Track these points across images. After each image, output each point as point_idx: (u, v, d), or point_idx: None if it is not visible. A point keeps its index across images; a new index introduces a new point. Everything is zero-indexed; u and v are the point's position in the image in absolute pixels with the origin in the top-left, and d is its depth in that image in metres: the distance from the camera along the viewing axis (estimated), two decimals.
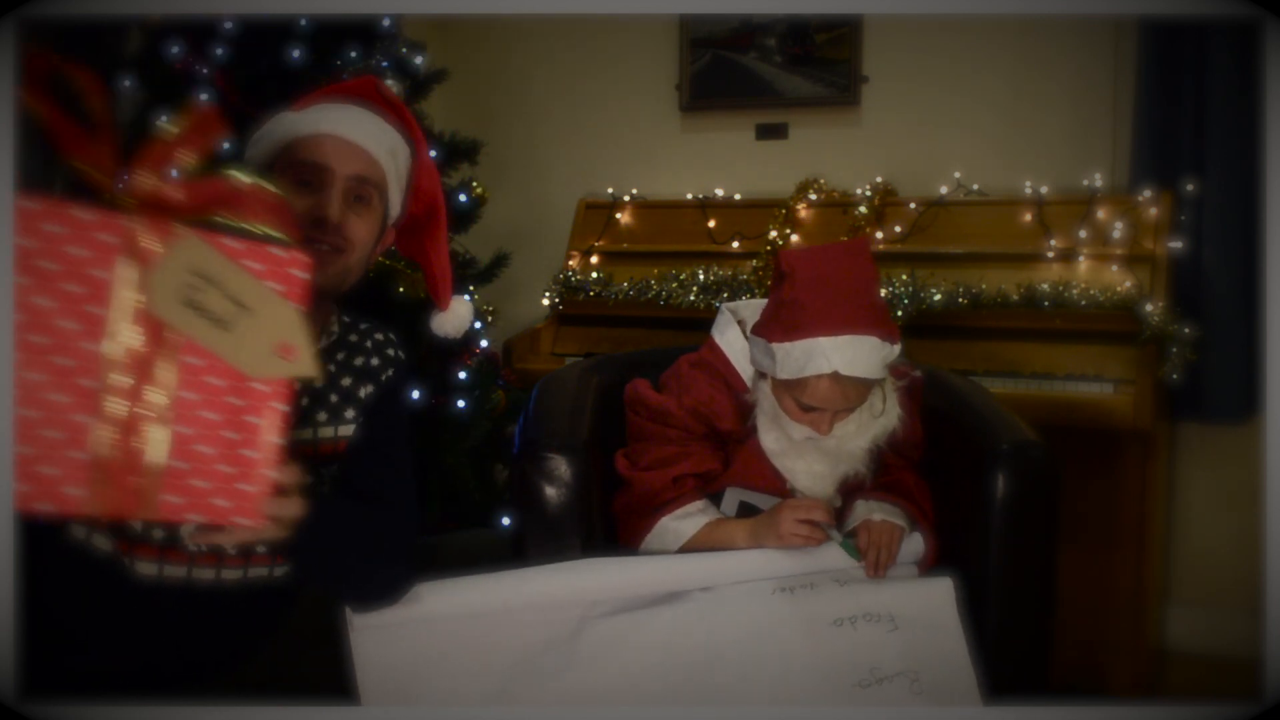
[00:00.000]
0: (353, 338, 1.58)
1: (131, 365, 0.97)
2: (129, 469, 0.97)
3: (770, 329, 1.68)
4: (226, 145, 1.51)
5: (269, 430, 1.04)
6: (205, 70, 2.41)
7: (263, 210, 1.04)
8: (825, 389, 1.63)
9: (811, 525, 1.64)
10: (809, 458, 1.72)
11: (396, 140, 1.51)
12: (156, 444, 0.99)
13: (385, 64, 2.60)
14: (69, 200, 0.94)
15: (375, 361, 1.57)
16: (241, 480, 1.03)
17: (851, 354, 1.60)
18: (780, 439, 1.72)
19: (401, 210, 1.54)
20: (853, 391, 1.65)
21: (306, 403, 1.53)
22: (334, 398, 1.55)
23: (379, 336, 1.60)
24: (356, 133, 1.46)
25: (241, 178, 1.04)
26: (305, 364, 1.04)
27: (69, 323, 0.94)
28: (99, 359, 0.95)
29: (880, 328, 1.64)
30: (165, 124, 1.02)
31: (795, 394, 1.67)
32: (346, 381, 1.55)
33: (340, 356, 1.55)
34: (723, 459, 1.79)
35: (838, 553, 1.67)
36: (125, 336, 0.96)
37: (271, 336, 1.02)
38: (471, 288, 2.79)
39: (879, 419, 1.71)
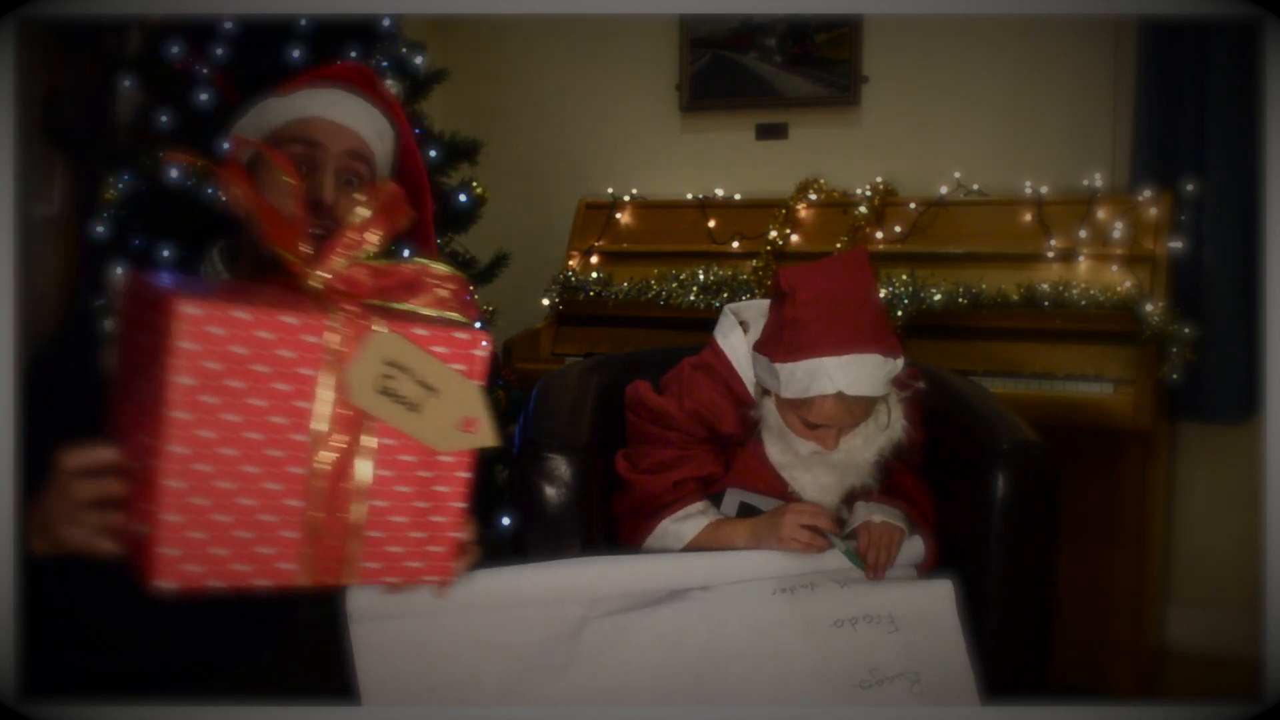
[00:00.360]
0: None
1: (333, 450, 1.06)
2: (335, 544, 1.08)
3: (773, 348, 1.68)
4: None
5: (454, 497, 1.13)
6: (205, 70, 2.42)
7: (447, 295, 1.13)
8: (830, 408, 1.64)
9: (813, 531, 1.64)
10: (816, 470, 1.73)
11: (382, 123, 1.52)
12: (357, 518, 1.09)
13: (385, 64, 2.60)
14: (277, 308, 1.02)
15: None
16: (431, 543, 1.13)
17: (855, 373, 1.61)
18: (786, 452, 1.73)
19: None
20: (858, 409, 1.65)
21: None
22: None
23: None
24: (344, 114, 1.47)
25: (424, 263, 1.13)
26: (487, 435, 1.12)
27: (279, 418, 1.03)
28: (306, 448, 1.05)
29: (882, 344, 1.63)
30: (359, 208, 1.11)
31: (800, 413, 1.67)
32: None
33: None
34: (724, 462, 1.79)
35: (839, 555, 1.66)
36: (328, 426, 1.06)
37: (457, 414, 1.10)
38: (472, 288, 2.79)
39: (885, 431, 1.71)
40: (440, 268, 1.13)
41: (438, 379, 1.08)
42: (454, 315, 1.12)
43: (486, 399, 1.11)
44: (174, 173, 2.36)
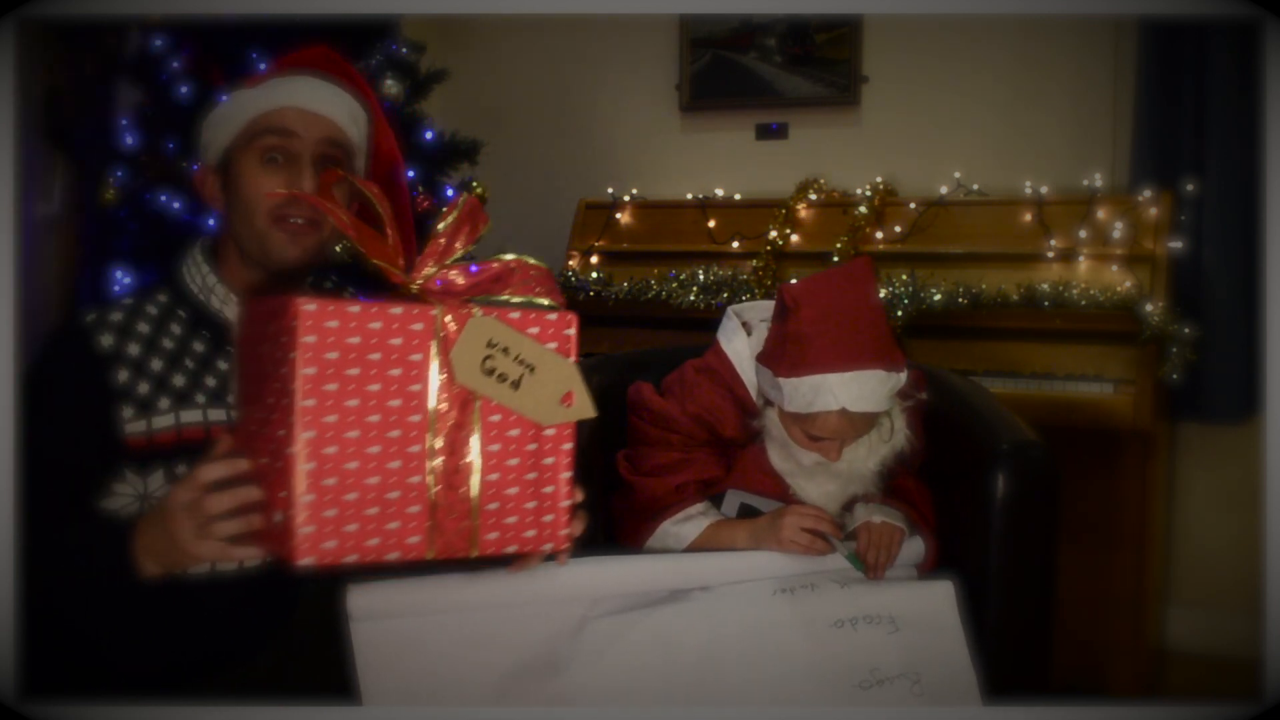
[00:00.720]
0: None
1: (446, 428, 1.16)
2: (457, 517, 1.17)
3: (776, 362, 1.67)
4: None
5: (561, 468, 1.22)
6: (204, 71, 2.42)
7: (531, 282, 1.23)
8: (834, 423, 1.64)
9: (813, 535, 1.64)
10: (819, 479, 1.72)
11: (355, 106, 1.52)
12: (474, 491, 1.18)
13: (385, 64, 2.60)
14: (385, 302, 1.14)
15: None
16: (545, 513, 1.22)
17: (858, 390, 1.60)
18: (788, 460, 1.72)
19: (364, 175, 1.54)
20: (860, 423, 1.65)
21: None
22: None
23: (336, 286, 1.62)
24: (317, 101, 1.47)
25: (513, 258, 1.23)
26: (585, 408, 1.21)
27: (395, 401, 1.13)
28: (421, 427, 1.15)
29: (886, 359, 1.63)
30: (441, 223, 1.21)
31: (803, 426, 1.67)
32: None
33: None
34: (725, 465, 1.78)
35: (839, 557, 1.66)
36: (439, 406, 1.16)
37: (555, 389, 1.20)
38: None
39: (888, 442, 1.71)
40: (528, 260, 1.23)
41: (535, 357, 1.19)
42: (544, 301, 1.22)
43: (581, 374, 1.21)
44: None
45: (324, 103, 1.47)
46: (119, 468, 1.39)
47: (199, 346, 1.45)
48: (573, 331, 1.22)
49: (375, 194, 1.23)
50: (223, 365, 1.46)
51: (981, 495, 1.74)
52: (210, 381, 1.45)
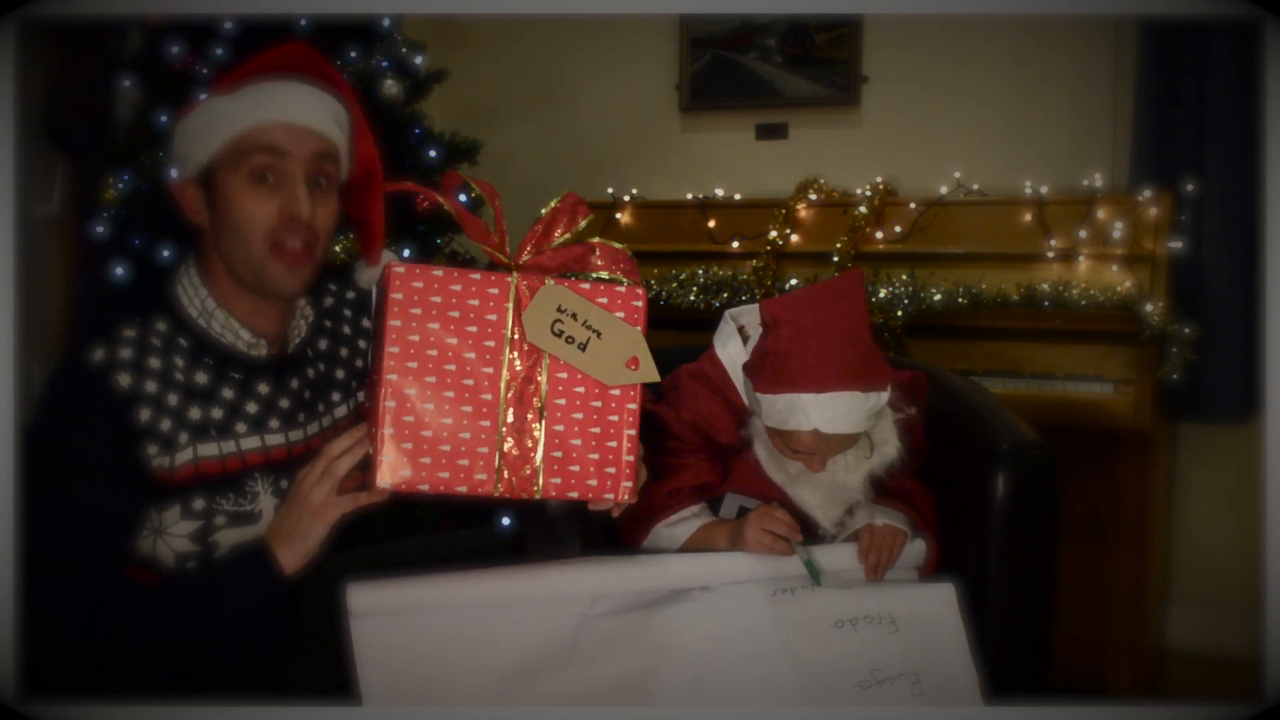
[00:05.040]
0: (327, 316, 1.60)
1: (517, 382, 1.29)
2: (522, 460, 1.29)
3: (756, 376, 1.67)
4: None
5: (625, 425, 1.33)
6: (205, 70, 2.41)
7: (609, 262, 1.34)
8: (808, 441, 1.64)
9: (774, 536, 1.64)
10: (807, 488, 1.72)
11: (338, 108, 1.45)
12: (540, 440, 1.30)
13: (385, 64, 2.60)
14: (465, 267, 1.29)
15: (353, 323, 1.62)
16: (606, 465, 1.32)
17: (832, 412, 1.60)
18: (779, 470, 1.72)
19: (344, 176, 1.49)
20: (836, 443, 1.65)
21: (310, 396, 1.53)
22: (340, 373, 1.57)
23: (337, 294, 1.62)
24: (304, 114, 1.40)
25: (596, 241, 1.35)
26: (649, 372, 1.32)
27: (470, 354, 1.28)
28: (494, 379, 1.28)
29: (863, 380, 1.62)
30: (543, 211, 1.34)
31: (783, 439, 1.67)
32: (344, 352, 1.58)
33: (323, 345, 1.58)
34: (720, 470, 1.78)
35: (840, 555, 1.66)
36: (510, 360, 1.29)
37: (620, 353, 1.31)
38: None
39: (869, 459, 1.71)
40: (610, 244, 1.35)
41: (601, 323, 1.31)
42: (620, 278, 1.34)
43: (645, 342, 1.32)
44: (173, 173, 2.37)
45: (312, 114, 1.41)
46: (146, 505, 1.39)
47: (204, 377, 1.43)
48: (640, 304, 1.33)
49: (488, 192, 1.36)
50: (228, 394, 1.45)
51: (981, 495, 1.74)
52: (217, 413, 1.43)
